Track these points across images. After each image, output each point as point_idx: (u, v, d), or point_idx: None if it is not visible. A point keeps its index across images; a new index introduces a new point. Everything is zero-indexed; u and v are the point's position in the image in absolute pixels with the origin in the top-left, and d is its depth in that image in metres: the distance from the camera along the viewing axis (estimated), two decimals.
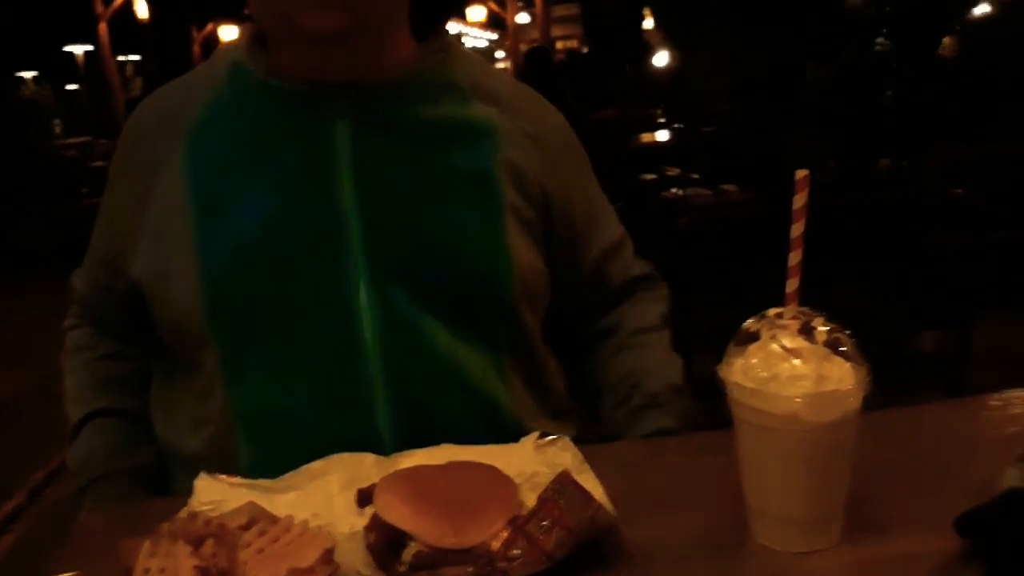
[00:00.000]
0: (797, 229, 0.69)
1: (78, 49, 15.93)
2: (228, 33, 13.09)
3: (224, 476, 0.84)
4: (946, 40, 7.03)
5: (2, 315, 5.51)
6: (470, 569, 0.67)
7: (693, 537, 0.74)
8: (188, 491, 0.83)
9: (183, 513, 0.74)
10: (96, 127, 12.06)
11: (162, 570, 0.63)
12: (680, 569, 0.70)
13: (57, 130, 13.39)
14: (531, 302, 1.04)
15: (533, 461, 0.84)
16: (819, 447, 0.68)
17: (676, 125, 6.87)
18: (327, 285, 0.95)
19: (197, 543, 0.65)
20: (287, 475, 0.85)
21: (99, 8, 12.34)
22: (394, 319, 0.95)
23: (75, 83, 17.02)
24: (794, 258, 0.69)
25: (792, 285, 0.70)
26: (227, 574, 0.64)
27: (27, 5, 12.73)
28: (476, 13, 14.15)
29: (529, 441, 0.88)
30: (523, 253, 1.02)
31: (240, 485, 0.83)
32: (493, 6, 13.82)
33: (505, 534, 0.69)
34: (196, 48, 14.41)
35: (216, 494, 0.81)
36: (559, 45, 16.48)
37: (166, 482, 1.08)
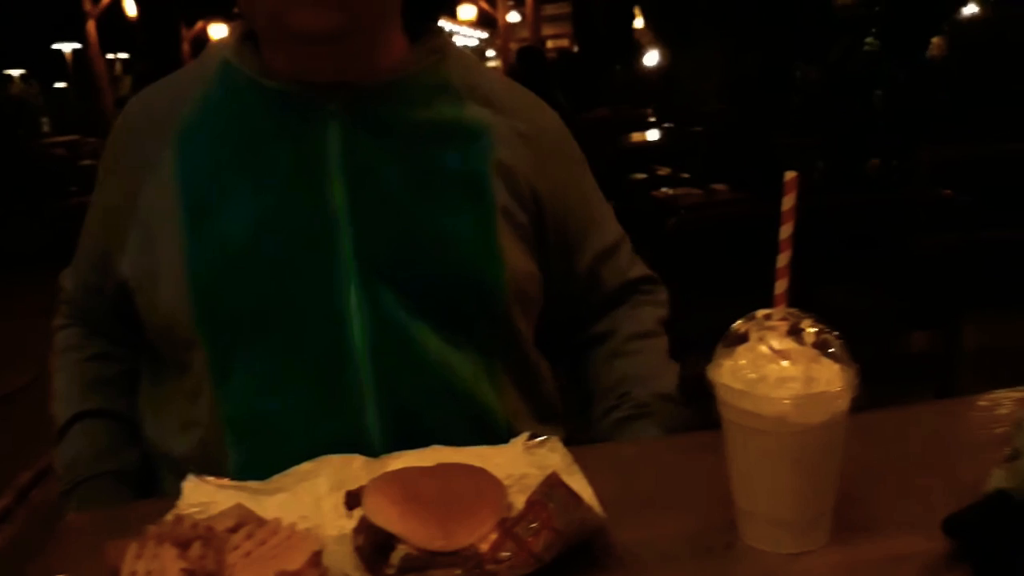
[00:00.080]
0: (786, 230, 0.69)
1: (66, 47, 15.87)
2: (218, 32, 13.04)
3: (212, 478, 0.84)
4: (935, 40, 7.07)
5: None
6: (458, 572, 0.66)
7: (682, 538, 0.74)
8: (176, 493, 0.82)
9: (170, 515, 0.74)
10: (84, 126, 12.00)
11: (149, 573, 0.63)
12: (669, 570, 0.70)
13: (45, 128, 13.33)
14: (523, 306, 1.03)
15: (522, 462, 0.84)
16: (808, 449, 0.68)
17: (666, 125, 6.88)
18: (317, 288, 0.94)
19: (184, 545, 0.65)
20: (275, 477, 0.85)
21: (87, 6, 12.30)
22: (384, 323, 0.95)
23: (63, 81, 16.97)
24: (783, 259, 0.69)
25: (781, 286, 0.70)
26: None
27: (15, 2, 12.67)
28: (466, 11, 14.13)
29: (518, 442, 0.88)
30: (515, 256, 1.01)
31: (228, 487, 0.83)
32: (483, 5, 13.80)
33: (494, 536, 0.68)
34: (185, 47, 14.35)
35: (204, 496, 0.81)
36: (549, 44, 16.48)
37: (153, 484, 1.07)
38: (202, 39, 13.66)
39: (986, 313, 2.54)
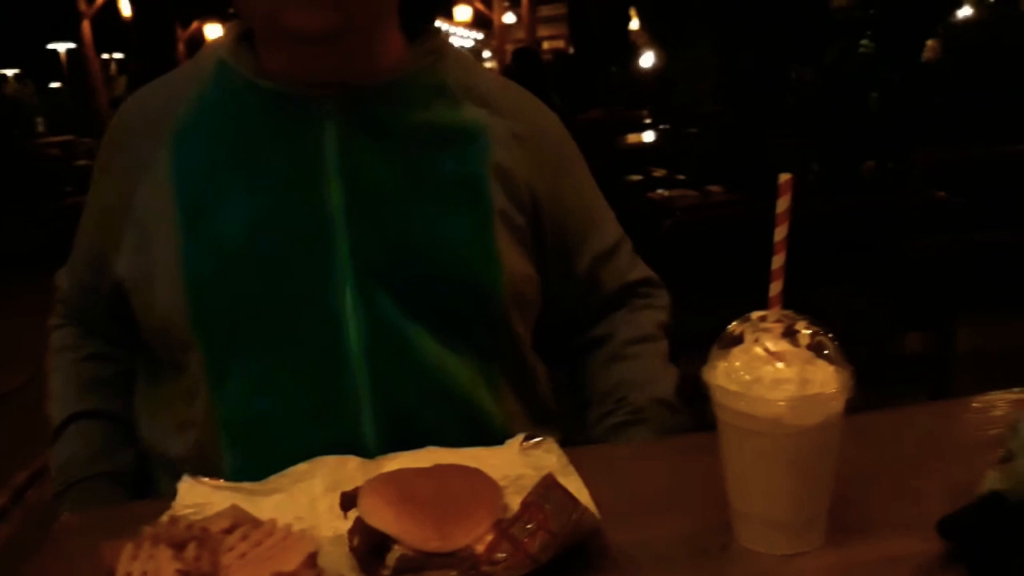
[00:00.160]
0: (780, 232, 0.69)
1: (61, 47, 15.84)
2: (213, 32, 13.03)
3: (207, 479, 0.84)
4: (930, 43, 7.08)
5: None
6: (454, 573, 0.67)
7: (677, 540, 0.74)
8: (171, 493, 0.82)
9: (166, 516, 0.74)
10: (79, 126, 11.99)
11: (144, 573, 0.63)
12: (664, 572, 0.70)
13: (40, 128, 13.31)
14: (521, 309, 1.03)
15: (518, 464, 0.84)
16: (802, 450, 0.69)
17: (662, 126, 6.88)
18: (312, 291, 0.94)
19: (180, 546, 0.65)
20: (271, 478, 0.85)
21: (82, 6, 12.28)
22: (380, 326, 0.94)
23: (58, 81, 16.94)
24: (777, 261, 0.70)
25: (776, 288, 0.70)
26: None
27: (10, 2, 12.64)
28: (462, 12, 14.15)
29: (514, 443, 0.88)
30: (513, 260, 1.00)
31: (223, 488, 0.83)
32: (479, 6, 13.81)
33: (489, 537, 0.68)
34: (180, 47, 14.34)
35: (199, 497, 0.81)
36: (545, 45, 16.50)
37: (148, 485, 1.07)
38: (197, 39, 13.66)
39: (980, 315, 2.55)
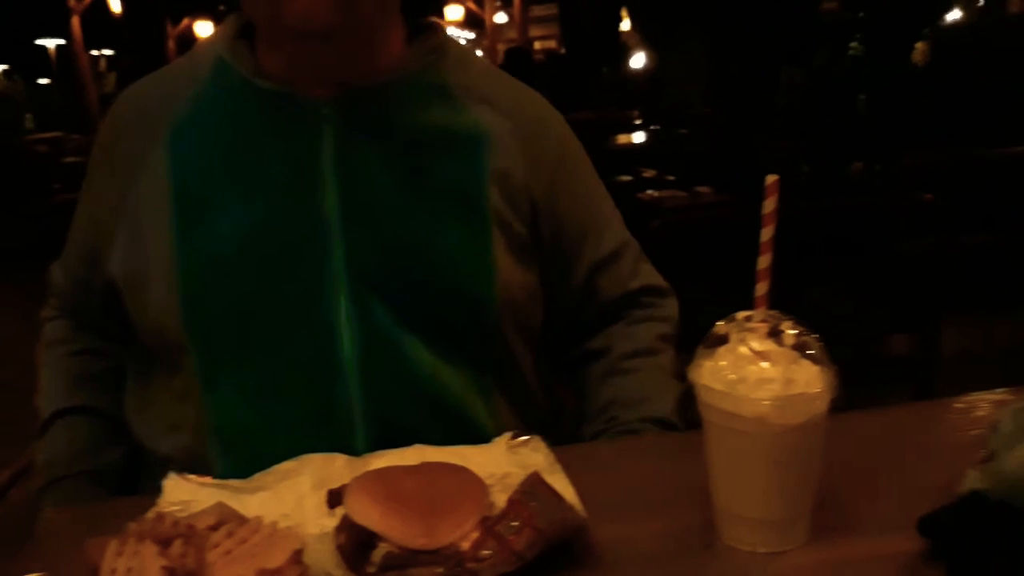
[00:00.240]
0: (767, 233, 0.70)
1: (50, 43, 15.75)
2: (203, 29, 12.98)
3: (193, 476, 0.84)
4: (918, 46, 7.12)
5: None
6: (440, 570, 0.67)
7: (661, 538, 0.74)
8: (157, 490, 0.82)
9: (151, 513, 0.74)
10: (68, 122, 11.93)
11: (129, 570, 0.63)
12: (649, 569, 0.71)
13: (28, 125, 13.23)
14: (517, 321, 1.01)
15: (505, 462, 0.84)
16: (787, 449, 0.69)
17: (652, 127, 6.90)
18: (306, 298, 0.93)
19: (165, 543, 0.64)
20: (257, 475, 0.85)
21: (72, 2, 12.21)
22: (374, 336, 0.93)
23: (47, 77, 16.84)
24: (763, 262, 0.70)
25: (761, 289, 0.70)
26: (195, 575, 0.64)
27: None
28: (454, 12, 14.12)
29: (501, 442, 0.88)
30: (509, 269, 0.99)
31: (209, 485, 0.83)
32: (471, 5, 13.79)
33: (475, 535, 0.69)
34: (171, 44, 14.27)
35: (185, 494, 0.81)
36: (537, 45, 16.50)
37: (134, 482, 1.07)
38: (187, 36, 13.60)
39: (965, 316, 2.57)
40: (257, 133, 0.95)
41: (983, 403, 0.96)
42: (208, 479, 0.84)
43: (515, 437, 0.88)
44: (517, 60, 6.52)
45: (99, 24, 12.97)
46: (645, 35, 9.59)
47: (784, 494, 0.71)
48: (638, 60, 11.07)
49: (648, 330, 1.11)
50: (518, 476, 0.77)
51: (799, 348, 0.70)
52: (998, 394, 0.98)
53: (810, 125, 5.47)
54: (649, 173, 4.58)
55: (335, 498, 0.77)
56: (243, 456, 0.91)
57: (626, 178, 4.46)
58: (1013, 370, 1.06)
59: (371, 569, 0.68)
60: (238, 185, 0.94)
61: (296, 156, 0.94)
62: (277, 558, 0.64)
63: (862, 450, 0.86)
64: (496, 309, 0.98)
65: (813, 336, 0.70)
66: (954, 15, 9.12)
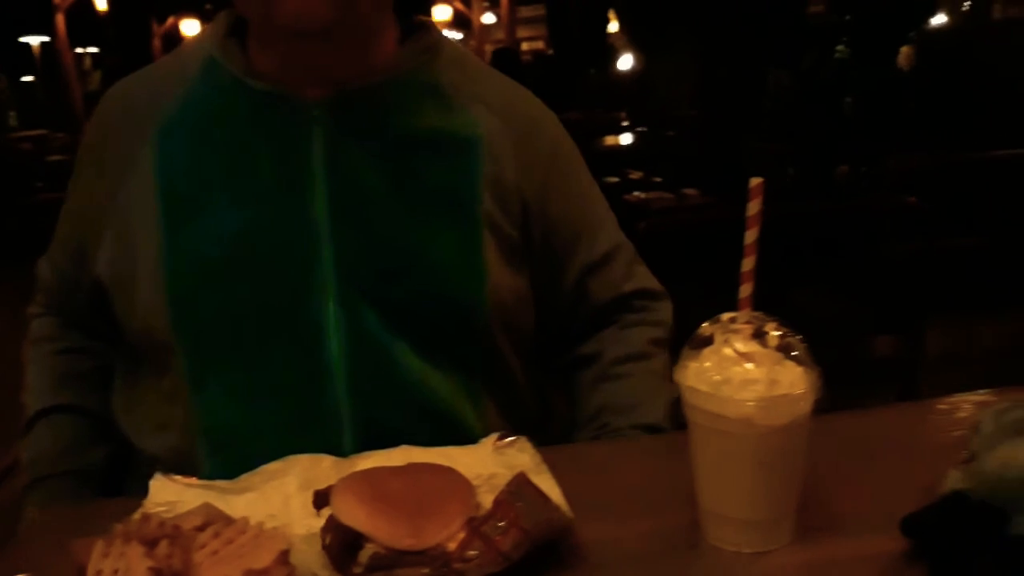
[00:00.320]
0: (751, 236, 0.70)
1: (34, 40, 15.64)
2: (189, 28, 12.91)
3: (179, 477, 0.84)
4: (904, 49, 7.17)
5: None
6: (426, 570, 0.67)
7: (647, 538, 0.75)
8: (144, 490, 0.82)
9: (137, 514, 0.74)
10: (52, 120, 11.86)
11: (115, 571, 0.62)
12: (634, 569, 0.71)
13: (12, 123, 13.14)
14: (508, 326, 1.01)
15: (491, 462, 0.85)
16: (771, 450, 0.69)
17: (640, 129, 6.93)
18: (295, 301, 0.92)
19: (151, 544, 0.64)
20: (243, 476, 0.85)
21: None
22: (362, 340, 0.93)
23: (31, 75, 16.72)
24: (747, 264, 0.71)
25: (745, 290, 0.71)
26: (181, 575, 0.64)
27: None
28: (441, 12, 14.11)
29: (488, 443, 0.88)
30: (499, 273, 0.98)
31: (195, 486, 0.83)
32: (459, 5, 13.78)
33: (462, 535, 0.69)
34: (156, 42, 14.19)
35: (171, 495, 0.81)
36: (525, 46, 16.49)
37: (119, 482, 1.06)
38: (173, 35, 13.52)
39: (949, 318, 2.59)
40: (247, 133, 0.95)
41: (966, 404, 0.97)
42: (194, 480, 0.84)
43: (501, 438, 0.89)
44: (505, 61, 6.52)
45: (84, 21, 12.88)
46: (632, 37, 9.61)
47: (769, 494, 0.71)
48: (625, 62, 11.10)
49: (640, 334, 1.10)
50: (504, 477, 0.77)
51: (783, 349, 0.70)
52: (980, 395, 0.99)
53: (797, 128, 5.50)
54: (636, 175, 4.60)
55: (321, 499, 0.77)
56: (231, 457, 0.91)
57: (613, 179, 4.48)
58: (996, 371, 1.07)
59: (358, 569, 0.68)
60: (227, 185, 0.94)
61: (286, 157, 0.94)
62: (264, 559, 0.64)
63: (846, 451, 0.87)
64: (486, 313, 0.97)
65: (797, 337, 0.71)
66: (939, 20, 9.19)
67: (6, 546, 0.81)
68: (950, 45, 6.49)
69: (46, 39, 13.71)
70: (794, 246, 2.04)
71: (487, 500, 0.74)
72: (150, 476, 0.83)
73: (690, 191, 3.96)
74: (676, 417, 1.03)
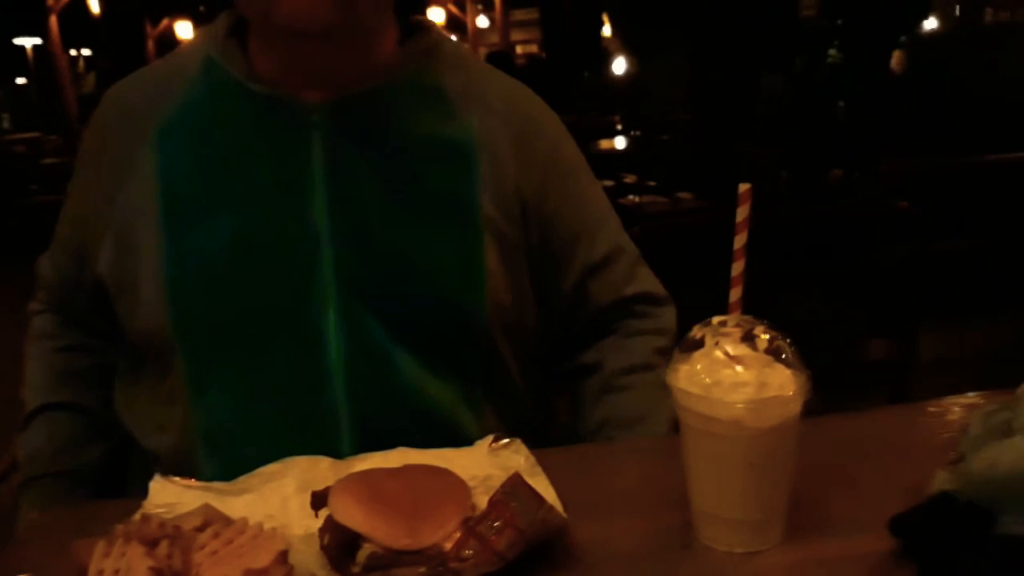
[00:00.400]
0: (740, 240, 0.71)
1: (27, 42, 15.59)
2: (183, 30, 12.90)
3: (178, 478, 0.84)
4: (896, 54, 7.20)
5: None
6: (423, 569, 0.68)
7: (640, 538, 0.76)
8: (146, 487, 0.83)
9: (137, 515, 0.75)
10: (46, 123, 11.82)
11: (116, 571, 0.63)
12: (627, 569, 0.72)
13: (5, 125, 13.09)
14: (508, 332, 1.00)
15: (486, 464, 0.86)
16: (761, 451, 0.70)
17: (633, 132, 6.93)
18: (295, 305, 0.92)
19: (152, 544, 0.65)
20: (242, 478, 0.85)
21: (50, 1, 12.09)
22: (362, 347, 0.93)
23: (24, 77, 16.67)
24: (737, 268, 0.71)
25: (735, 294, 0.72)
26: (181, 575, 0.64)
27: None
28: (435, 16, 14.12)
29: (483, 444, 0.89)
30: (500, 280, 0.98)
31: (195, 488, 0.83)
32: (453, 9, 13.79)
33: (457, 535, 0.70)
34: (150, 44, 14.16)
35: (170, 496, 0.81)
36: (519, 49, 16.52)
37: (117, 482, 1.07)
38: (167, 37, 13.51)
39: (941, 321, 2.60)
40: (247, 136, 0.95)
41: (956, 407, 0.98)
42: (193, 481, 0.85)
43: (497, 440, 0.90)
44: (499, 64, 6.49)
45: (77, 24, 12.85)
46: (626, 40, 9.63)
47: (759, 495, 0.72)
48: (619, 65, 11.11)
49: (643, 344, 1.09)
50: (500, 478, 0.78)
51: (772, 352, 0.71)
52: (970, 398, 1.00)
53: (789, 132, 5.52)
54: (630, 178, 4.61)
55: (319, 500, 0.78)
56: (230, 458, 0.91)
57: (607, 183, 4.49)
58: (987, 374, 1.08)
59: (355, 569, 0.69)
60: (227, 188, 0.94)
61: (285, 162, 0.94)
62: (263, 558, 0.65)
63: (837, 452, 0.88)
64: (485, 317, 0.97)
65: (786, 340, 0.72)
66: (931, 24, 9.23)
67: (6, 547, 0.82)
68: (942, 49, 6.52)
69: (39, 41, 13.66)
70: (787, 250, 2.05)
71: (482, 501, 0.75)
72: (151, 474, 0.84)
73: (684, 195, 3.97)
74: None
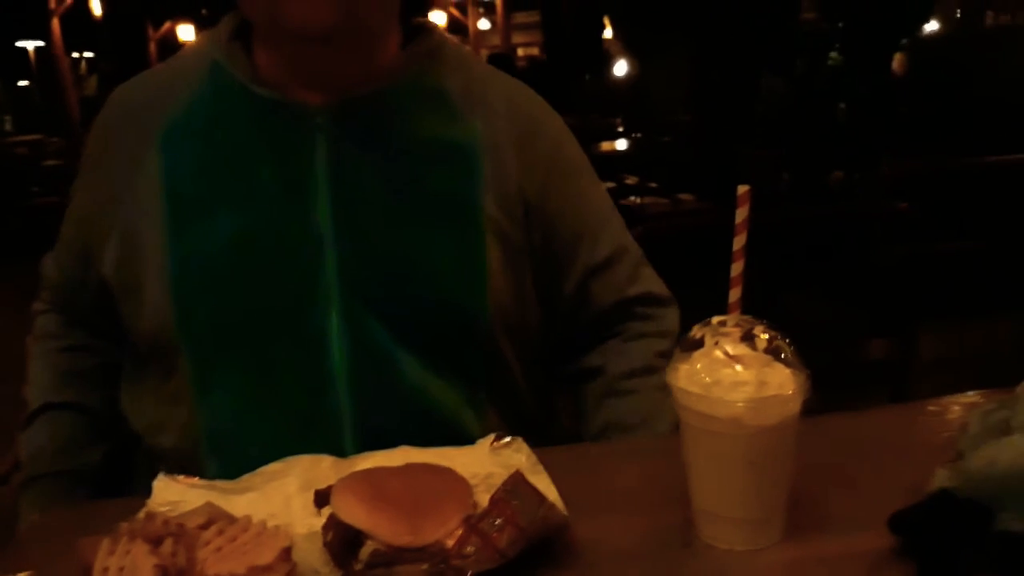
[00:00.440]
0: (739, 241, 0.72)
1: (29, 45, 15.61)
2: (185, 33, 12.90)
3: (182, 477, 0.85)
4: (897, 56, 7.20)
5: None
6: (424, 566, 0.68)
7: (640, 536, 0.76)
8: (150, 486, 0.83)
9: (142, 513, 0.75)
10: (48, 125, 11.83)
11: (121, 568, 0.64)
12: (627, 567, 0.73)
13: (7, 127, 13.11)
14: (510, 333, 1.00)
15: (488, 462, 0.86)
16: (761, 450, 0.71)
17: (635, 134, 6.94)
18: (298, 307, 0.93)
19: (156, 542, 0.66)
20: (245, 476, 0.86)
21: (52, 3, 12.10)
22: (365, 348, 0.93)
23: (26, 80, 16.70)
24: (736, 269, 0.72)
25: (735, 295, 0.72)
26: (186, 573, 0.65)
27: None
28: (437, 18, 14.13)
29: (485, 443, 0.90)
30: (503, 281, 0.98)
31: (198, 486, 0.84)
32: (454, 12, 13.79)
33: (459, 532, 0.70)
34: (152, 47, 14.17)
35: (174, 495, 0.82)
36: (520, 52, 16.51)
37: (118, 481, 1.07)
38: (169, 40, 13.51)
39: (941, 322, 2.60)
40: (251, 139, 0.95)
41: (956, 406, 0.98)
42: (197, 480, 0.85)
43: (498, 438, 0.90)
44: (500, 66, 6.51)
45: (79, 27, 12.86)
46: (627, 42, 9.63)
47: (759, 493, 0.72)
48: (620, 67, 11.12)
49: (646, 347, 1.08)
50: (501, 476, 0.78)
51: (772, 352, 0.71)
52: (970, 397, 1.00)
53: (790, 133, 5.52)
54: (631, 180, 4.61)
55: (322, 498, 0.78)
56: (234, 458, 0.91)
57: (609, 185, 4.49)
58: (987, 374, 1.08)
59: (358, 566, 0.69)
60: (231, 190, 0.94)
61: (289, 164, 0.94)
62: (267, 555, 0.66)
63: (837, 452, 0.88)
64: (488, 318, 0.97)
65: (785, 340, 0.72)
66: (932, 27, 9.23)
67: (7, 546, 0.82)
68: (943, 52, 6.52)
69: (41, 44, 13.68)
70: (789, 251, 2.06)
71: (484, 499, 0.75)
72: (156, 473, 0.84)
73: (685, 196, 3.97)
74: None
